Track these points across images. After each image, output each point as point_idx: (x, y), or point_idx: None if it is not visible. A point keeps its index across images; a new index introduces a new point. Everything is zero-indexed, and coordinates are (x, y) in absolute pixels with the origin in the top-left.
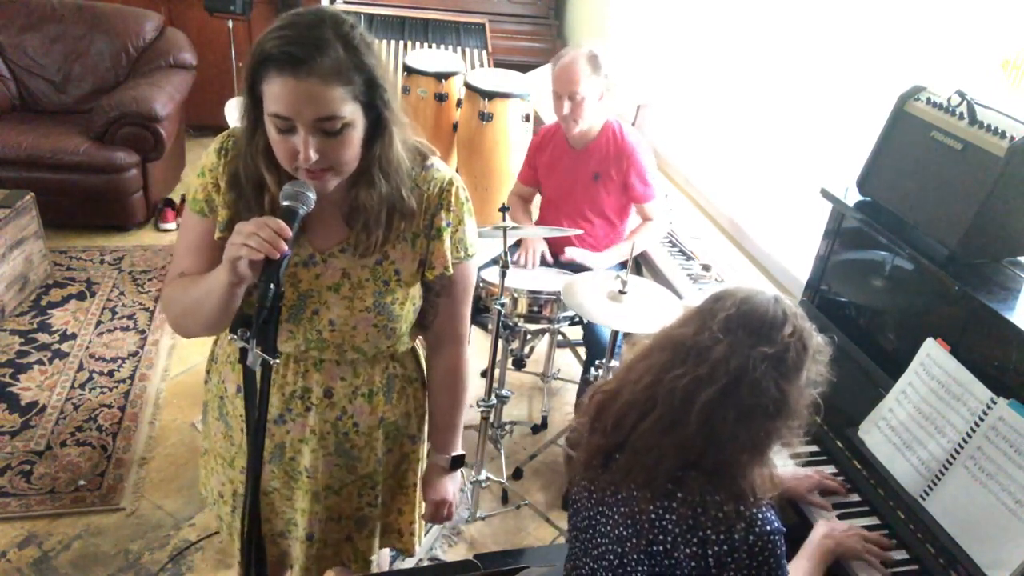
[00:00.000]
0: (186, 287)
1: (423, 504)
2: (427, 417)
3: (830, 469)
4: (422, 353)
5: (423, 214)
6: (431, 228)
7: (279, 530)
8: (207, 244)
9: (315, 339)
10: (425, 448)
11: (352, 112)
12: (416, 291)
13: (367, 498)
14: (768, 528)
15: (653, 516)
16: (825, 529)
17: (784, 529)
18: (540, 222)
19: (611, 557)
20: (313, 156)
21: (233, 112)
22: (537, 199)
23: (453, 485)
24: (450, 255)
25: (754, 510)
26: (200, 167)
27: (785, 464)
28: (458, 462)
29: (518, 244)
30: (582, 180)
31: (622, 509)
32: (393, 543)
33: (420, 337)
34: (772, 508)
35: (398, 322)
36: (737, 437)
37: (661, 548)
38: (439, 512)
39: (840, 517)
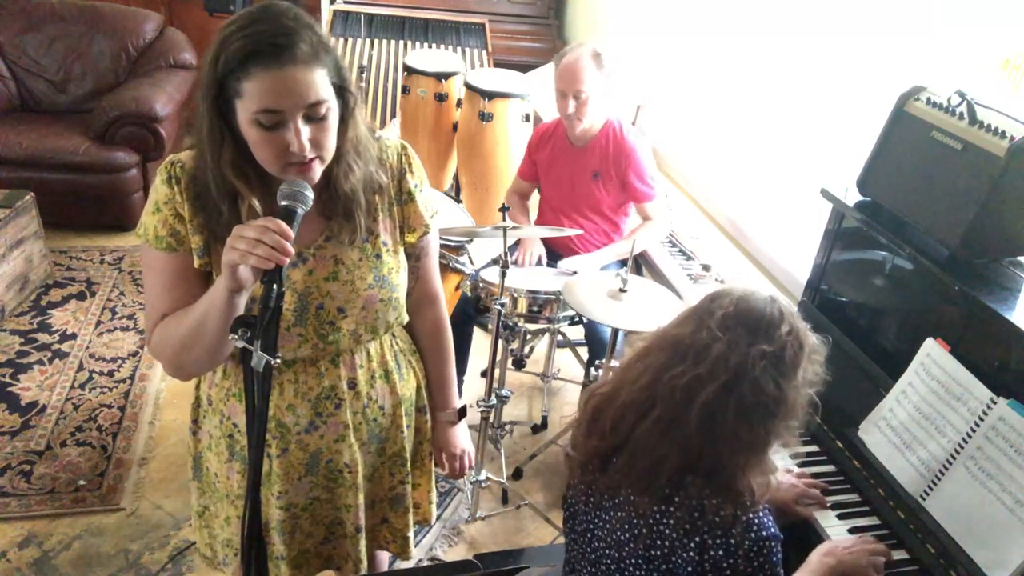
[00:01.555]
0: (178, 321)
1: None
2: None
3: (830, 469)
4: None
5: (392, 182)
6: (401, 193)
7: (321, 537)
8: (185, 278)
9: (330, 332)
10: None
11: (329, 95)
12: (403, 258)
13: (399, 476)
14: (764, 533)
15: (651, 520)
16: (827, 547)
17: (781, 536)
18: (539, 221)
19: (608, 562)
20: (308, 145)
21: None
22: (537, 199)
23: (464, 435)
24: (425, 214)
25: (751, 514)
26: (152, 203)
27: (786, 462)
28: (463, 412)
29: (516, 244)
30: (581, 178)
31: (620, 513)
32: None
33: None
34: (770, 513)
35: (399, 291)
36: (737, 436)
37: (659, 552)
38: (461, 464)
39: (839, 517)
